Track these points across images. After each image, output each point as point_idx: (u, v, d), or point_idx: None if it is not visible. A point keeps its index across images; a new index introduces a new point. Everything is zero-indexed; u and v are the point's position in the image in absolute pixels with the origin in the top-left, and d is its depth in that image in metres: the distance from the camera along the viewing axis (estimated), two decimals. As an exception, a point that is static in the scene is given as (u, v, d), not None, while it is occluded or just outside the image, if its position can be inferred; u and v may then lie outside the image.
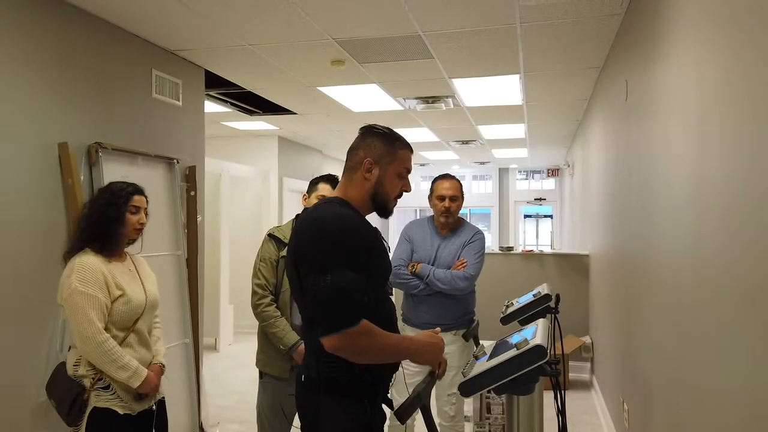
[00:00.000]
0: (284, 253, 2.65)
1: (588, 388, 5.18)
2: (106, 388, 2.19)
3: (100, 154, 3.23)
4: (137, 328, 2.29)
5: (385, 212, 1.79)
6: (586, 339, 5.31)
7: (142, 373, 2.23)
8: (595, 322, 5.18)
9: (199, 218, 4.14)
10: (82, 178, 3.15)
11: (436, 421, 2.28)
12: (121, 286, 2.23)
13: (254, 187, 7.77)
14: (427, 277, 2.99)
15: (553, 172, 12.96)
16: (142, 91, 3.73)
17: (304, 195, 2.84)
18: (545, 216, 14.21)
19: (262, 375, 2.77)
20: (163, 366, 2.41)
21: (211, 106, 5.60)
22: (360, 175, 1.74)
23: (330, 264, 1.55)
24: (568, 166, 9.04)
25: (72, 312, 2.14)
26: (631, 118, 3.17)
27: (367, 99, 5.54)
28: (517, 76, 4.69)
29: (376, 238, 1.70)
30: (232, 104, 5.77)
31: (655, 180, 2.54)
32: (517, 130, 7.50)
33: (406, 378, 1.91)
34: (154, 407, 2.35)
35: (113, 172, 3.34)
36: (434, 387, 1.96)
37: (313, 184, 2.80)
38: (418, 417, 1.78)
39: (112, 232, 2.27)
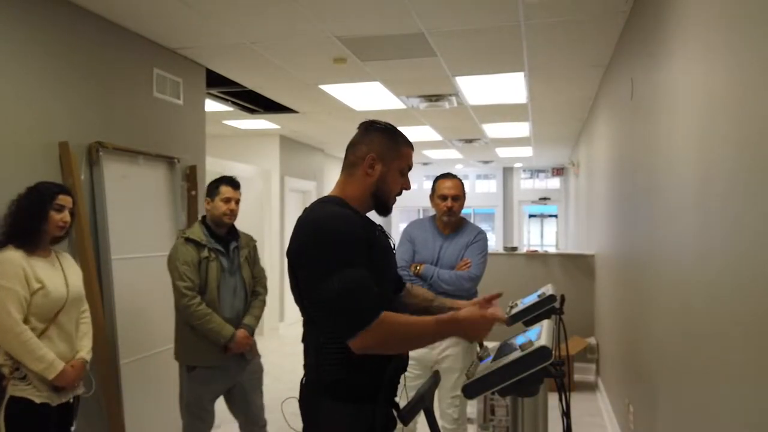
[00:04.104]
0: (204, 253, 2.87)
1: (593, 389, 5.14)
2: (23, 378, 2.25)
3: (101, 153, 3.22)
4: (59, 321, 2.35)
5: (385, 210, 1.77)
6: (592, 340, 5.27)
7: (58, 366, 2.28)
8: (600, 324, 5.14)
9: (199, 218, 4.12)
10: (82, 177, 3.14)
11: (439, 423, 2.25)
12: (40, 279, 2.29)
13: (256, 187, 7.73)
14: (431, 278, 2.96)
15: (558, 172, 12.91)
16: (142, 90, 3.71)
17: (207, 200, 2.97)
18: (550, 216, 14.16)
19: (190, 369, 2.92)
20: (86, 361, 2.45)
21: (212, 105, 5.58)
22: (362, 171, 1.71)
23: (333, 266, 1.52)
24: (573, 165, 9.00)
25: None
26: (636, 117, 3.13)
27: (369, 97, 5.51)
28: (522, 73, 4.66)
29: (374, 236, 1.66)
30: (234, 103, 5.75)
31: (660, 179, 2.51)
32: (522, 129, 7.46)
33: (409, 381, 1.88)
34: (71, 401, 2.41)
35: (114, 171, 3.33)
36: (437, 389, 1.94)
37: (214, 187, 2.96)
38: (421, 419, 1.75)
39: (36, 229, 2.34)
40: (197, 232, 2.91)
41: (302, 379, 1.71)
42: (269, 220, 7.63)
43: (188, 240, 2.88)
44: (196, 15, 3.35)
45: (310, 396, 1.67)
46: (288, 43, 3.87)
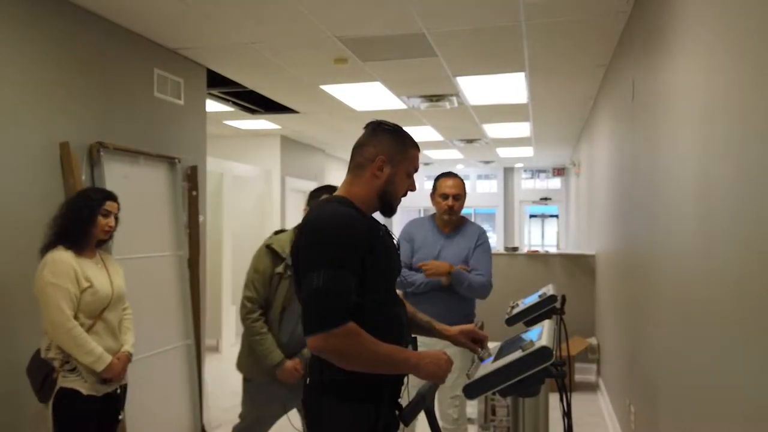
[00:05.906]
0: (279, 269, 2.64)
1: (594, 390, 5.14)
2: (73, 370, 2.40)
3: (102, 153, 3.22)
4: (105, 318, 2.50)
5: (391, 211, 1.77)
6: (593, 340, 5.27)
7: (106, 359, 2.43)
8: (601, 324, 5.13)
9: (200, 218, 4.12)
10: (83, 177, 3.14)
11: (439, 424, 2.25)
12: (89, 278, 2.44)
13: (256, 187, 7.74)
14: (466, 284, 2.95)
15: (559, 172, 12.91)
16: (143, 90, 3.71)
17: (305, 208, 2.75)
18: (551, 216, 14.16)
19: (246, 380, 2.77)
20: (130, 355, 2.61)
21: (213, 105, 5.58)
22: (370, 173, 1.71)
23: (319, 263, 1.53)
24: (574, 165, 9.00)
25: (44, 301, 2.37)
26: (637, 118, 3.13)
27: (370, 97, 5.51)
28: (522, 74, 4.65)
29: (378, 237, 1.66)
30: (234, 103, 5.75)
31: (661, 180, 2.51)
32: (523, 129, 7.46)
33: (411, 381, 1.88)
34: (118, 391, 2.58)
35: (115, 171, 3.33)
36: (437, 389, 1.94)
37: (315, 196, 2.73)
38: (421, 419, 1.75)
39: (83, 231, 2.49)
40: (283, 240, 2.66)
41: (305, 379, 1.72)
42: (270, 220, 7.62)
43: (269, 248, 2.67)
44: (196, 15, 3.35)
45: (313, 396, 1.67)
46: (289, 43, 3.87)
